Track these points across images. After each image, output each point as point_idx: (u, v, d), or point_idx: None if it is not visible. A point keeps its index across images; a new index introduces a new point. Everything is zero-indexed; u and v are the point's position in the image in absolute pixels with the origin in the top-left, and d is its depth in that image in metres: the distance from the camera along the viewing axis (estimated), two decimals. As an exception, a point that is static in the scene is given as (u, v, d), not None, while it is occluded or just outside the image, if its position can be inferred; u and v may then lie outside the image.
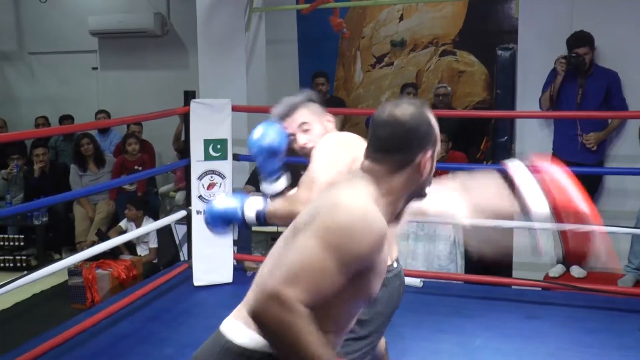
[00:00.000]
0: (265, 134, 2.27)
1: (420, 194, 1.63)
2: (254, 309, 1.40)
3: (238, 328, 1.59)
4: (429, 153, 1.57)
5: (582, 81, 4.67)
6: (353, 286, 1.46)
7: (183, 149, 4.95)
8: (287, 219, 1.86)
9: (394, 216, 1.60)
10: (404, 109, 1.57)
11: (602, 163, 4.85)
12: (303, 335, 1.37)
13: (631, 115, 4.69)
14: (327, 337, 1.46)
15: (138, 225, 5.62)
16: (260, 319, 1.40)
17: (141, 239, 5.72)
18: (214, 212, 2.22)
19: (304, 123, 2.31)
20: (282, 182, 2.34)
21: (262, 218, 2.18)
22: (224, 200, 2.25)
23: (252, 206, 2.20)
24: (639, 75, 4.69)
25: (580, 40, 4.63)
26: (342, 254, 1.40)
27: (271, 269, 1.46)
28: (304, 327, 1.37)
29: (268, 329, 1.40)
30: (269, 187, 2.33)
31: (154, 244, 5.74)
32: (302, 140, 2.32)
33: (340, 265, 1.40)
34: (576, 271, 4.83)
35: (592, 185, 4.87)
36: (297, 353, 1.38)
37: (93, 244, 5.55)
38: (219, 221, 2.23)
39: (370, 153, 1.58)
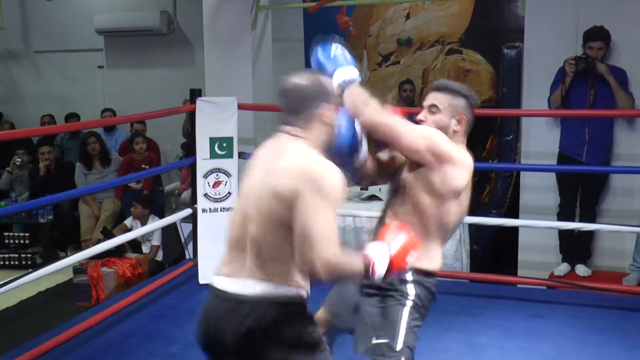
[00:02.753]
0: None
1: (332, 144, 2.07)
2: (321, 277, 1.83)
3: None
4: (328, 106, 1.99)
5: (593, 82, 4.64)
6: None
7: (191, 144, 4.94)
8: (353, 106, 2.19)
9: None
10: (296, 77, 2.00)
11: (609, 162, 4.84)
12: (349, 267, 1.89)
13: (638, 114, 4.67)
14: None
15: (143, 224, 5.63)
16: (328, 278, 1.85)
17: (146, 237, 5.73)
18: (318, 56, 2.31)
19: (433, 105, 2.36)
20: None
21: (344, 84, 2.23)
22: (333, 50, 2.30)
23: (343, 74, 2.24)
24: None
25: (597, 34, 4.62)
26: (336, 204, 1.87)
27: (302, 243, 1.83)
28: (346, 263, 1.87)
29: (334, 278, 1.94)
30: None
31: (156, 241, 5.75)
32: (420, 116, 2.39)
33: (335, 211, 1.87)
34: (581, 270, 4.82)
35: (599, 184, 4.86)
36: (352, 275, 1.96)
37: (98, 242, 5.56)
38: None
39: (286, 119, 2.00)
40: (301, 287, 1.99)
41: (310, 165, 1.89)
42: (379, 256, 1.91)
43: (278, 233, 1.91)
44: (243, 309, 1.95)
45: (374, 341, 2.31)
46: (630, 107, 4.60)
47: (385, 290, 2.33)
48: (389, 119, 2.25)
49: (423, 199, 2.29)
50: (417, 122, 2.36)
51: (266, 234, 1.93)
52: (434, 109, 2.35)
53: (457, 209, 2.34)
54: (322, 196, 1.84)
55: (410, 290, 2.32)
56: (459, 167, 2.30)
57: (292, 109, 1.99)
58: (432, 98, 2.37)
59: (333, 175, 1.89)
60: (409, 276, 2.30)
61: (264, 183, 1.94)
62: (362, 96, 2.23)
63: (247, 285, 1.97)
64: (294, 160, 1.91)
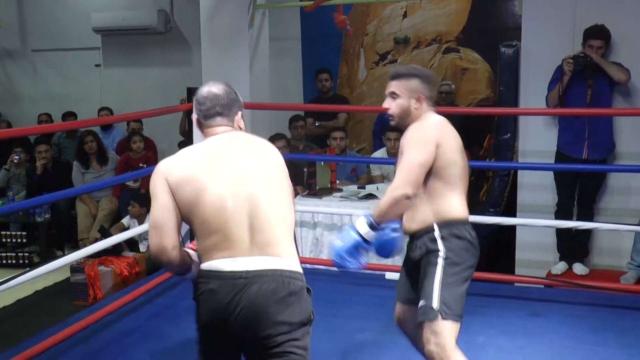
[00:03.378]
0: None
1: None
2: None
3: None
4: (240, 113, 2.33)
5: (591, 81, 4.65)
6: None
7: (189, 142, 4.93)
8: (395, 210, 2.44)
9: None
10: (217, 87, 2.33)
11: (607, 160, 4.84)
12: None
13: (637, 112, 4.67)
14: None
15: (141, 222, 5.62)
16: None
17: (143, 236, 5.72)
18: (341, 253, 2.42)
19: (394, 93, 2.66)
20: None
21: (374, 224, 2.42)
22: (342, 239, 2.45)
23: (362, 225, 2.44)
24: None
25: (597, 33, 4.62)
26: None
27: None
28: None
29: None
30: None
31: None
32: (384, 104, 2.70)
33: None
34: (579, 268, 4.82)
35: (596, 183, 4.87)
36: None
37: (95, 241, 5.55)
38: (348, 257, 2.43)
39: (216, 119, 2.30)
40: None
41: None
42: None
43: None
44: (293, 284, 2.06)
45: (419, 305, 2.49)
46: (627, 78, 4.59)
47: (421, 256, 2.54)
48: (397, 182, 2.46)
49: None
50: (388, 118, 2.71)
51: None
52: (394, 95, 2.66)
53: (453, 156, 2.57)
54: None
55: (440, 247, 2.50)
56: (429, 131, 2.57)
57: (220, 111, 2.29)
58: (391, 86, 2.67)
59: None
60: (437, 233, 2.50)
61: (266, 165, 2.18)
62: (385, 201, 2.45)
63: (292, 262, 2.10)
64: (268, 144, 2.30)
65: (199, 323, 2.13)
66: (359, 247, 2.43)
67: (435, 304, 2.43)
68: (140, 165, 6.43)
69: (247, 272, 2.01)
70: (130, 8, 7.97)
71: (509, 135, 5.33)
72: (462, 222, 2.56)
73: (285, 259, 2.06)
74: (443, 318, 2.42)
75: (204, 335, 2.15)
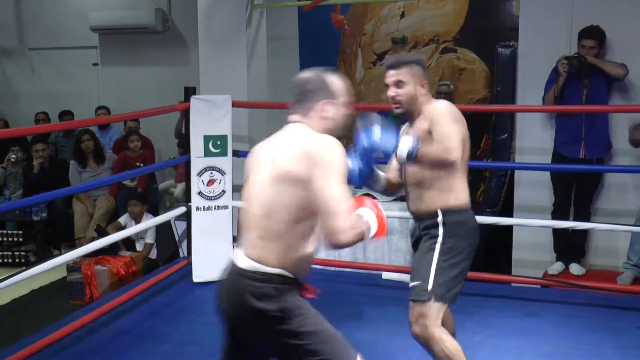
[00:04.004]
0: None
1: (335, 134, 2.15)
2: (343, 244, 1.95)
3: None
4: (326, 102, 2.16)
5: (586, 81, 4.66)
6: None
7: (185, 144, 4.94)
8: (432, 161, 2.54)
9: None
10: (304, 74, 2.23)
11: (604, 159, 4.85)
12: (362, 231, 2.00)
13: (634, 109, 4.67)
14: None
15: (138, 222, 5.62)
16: (348, 244, 1.96)
17: (140, 235, 5.72)
18: (370, 140, 2.49)
19: (400, 81, 2.69)
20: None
21: (412, 156, 2.50)
22: (381, 131, 2.50)
23: (406, 143, 2.51)
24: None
25: (590, 33, 4.64)
26: (340, 173, 2.00)
27: (326, 216, 1.94)
28: (360, 226, 2.00)
29: (353, 243, 1.98)
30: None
31: (150, 239, 5.73)
32: (390, 92, 2.71)
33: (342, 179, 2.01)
34: (575, 269, 4.83)
35: (593, 182, 4.87)
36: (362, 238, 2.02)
37: (92, 240, 5.54)
38: (369, 152, 2.52)
39: (292, 107, 2.21)
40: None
41: (309, 145, 2.04)
42: (371, 219, 2.08)
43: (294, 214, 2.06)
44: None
45: (411, 284, 2.64)
46: (625, 72, 4.58)
47: (421, 237, 2.69)
48: (451, 148, 2.57)
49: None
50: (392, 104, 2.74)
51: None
52: (400, 84, 2.69)
53: (466, 143, 2.69)
54: (335, 171, 1.98)
55: (440, 232, 2.63)
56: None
57: (296, 100, 2.20)
58: (395, 75, 2.70)
59: (332, 149, 2.02)
60: (440, 218, 2.63)
61: (274, 170, 2.08)
62: (437, 150, 2.56)
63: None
64: (296, 145, 2.07)
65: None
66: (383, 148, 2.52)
67: (430, 286, 2.57)
68: (137, 164, 6.43)
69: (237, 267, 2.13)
70: (128, 7, 7.96)
71: (506, 135, 5.33)
72: (465, 209, 2.70)
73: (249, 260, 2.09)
74: (435, 300, 2.56)
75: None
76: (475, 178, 5.80)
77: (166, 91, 7.19)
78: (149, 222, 5.22)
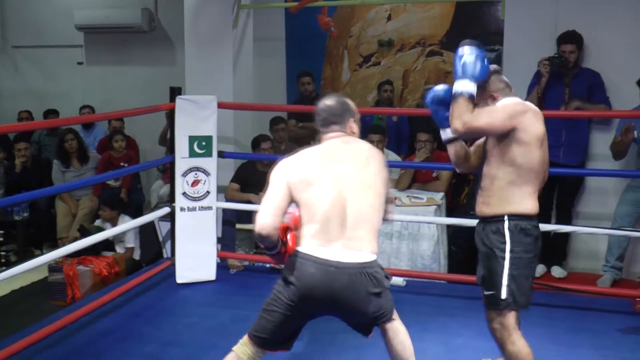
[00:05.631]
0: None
1: None
2: None
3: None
4: (353, 120, 2.79)
5: (568, 80, 4.73)
6: None
7: (169, 146, 4.92)
8: (450, 117, 2.73)
9: None
10: (331, 99, 2.80)
11: (585, 164, 4.89)
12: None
13: (615, 115, 4.73)
14: None
15: (114, 225, 5.56)
16: None
17: (119, 238, 5.66)
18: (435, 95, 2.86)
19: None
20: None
21: (469, 95, 2.70)
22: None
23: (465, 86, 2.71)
24: (622, 76, 4.74)
25: (569, 37, 4.71)
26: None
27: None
28: None
29: None
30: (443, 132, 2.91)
31: (130, 243, 5.68)
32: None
33: None
34: (557, 271, 4.87)
35: (574, 186, 4.91)
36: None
37: (75, 240, 5.50)
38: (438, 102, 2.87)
39: (326, 126, 2.78)
40: None
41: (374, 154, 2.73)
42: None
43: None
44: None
45: (485, 293, 2.79)
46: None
47: (489, 242, 2.77)
48: (479, 121, 2.67)
49: (511, 153, 2.69)
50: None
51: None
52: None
53: (538, 152, 2.73)
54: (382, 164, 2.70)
55: (508, 239, 2.71)
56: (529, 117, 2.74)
57: (331, 121, 2.75)
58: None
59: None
60: (506, 224, 2.71)
61: (366, 171, 2.63)
62: (457, 110, 2.68)
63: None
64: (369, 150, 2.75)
65: None
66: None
67: (504, 295, 2.71)
68: (122, 164, 6.39)
69: (338, 262, 2.50)
70: (114, 6, 7.91)
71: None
72: (532, 218, 2.75)
73: (364, 252, 2.54)
74: (511, 309, 2.71)
75: None
76: (459, 181, 5.83)
77: (151, 91, 7.15)
78: (130, 223, 5.08)
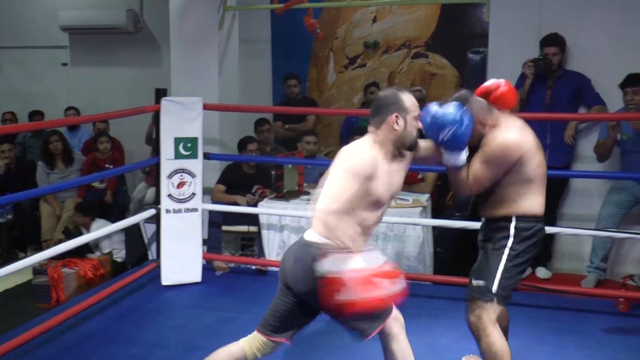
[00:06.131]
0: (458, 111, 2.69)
1: (403, 145, 2.63)
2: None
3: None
4: (395, 115, 2.57)
5: (551, 82, 4.77)
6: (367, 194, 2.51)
7: (154, 148, 4.91)
8: (453, 183, 2.79)
9: (389, 156, 2.61)
10: (383, 91, 2.74)
11: (570, 165, 4.93)
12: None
13: (600, 117, 4.76)
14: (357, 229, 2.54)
15: (88, 230, 5.51)
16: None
17: (98, 241, 5.61)
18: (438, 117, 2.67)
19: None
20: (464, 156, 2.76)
21: (458, 167, 2.73)
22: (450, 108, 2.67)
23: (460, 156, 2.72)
24: (605, 78, 4.79)
25: (552, 40, 4.76)
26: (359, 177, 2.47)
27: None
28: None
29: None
30: (449, 157, 2.76)
31: (107, 249, 5.64)
32: None
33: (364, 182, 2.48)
34: (542, 272, 4.90)
35: (559, 188, 4.95)
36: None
37: (59, 242, 5.47)
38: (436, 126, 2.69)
39: (370, 119, 2.65)
40: None
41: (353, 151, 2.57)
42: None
43: None
44: None
45: (474, 282, 2.82)
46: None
47: (490, 239, 2.83)
48: (483, 182, 2.74)
49: (514, 175, 2.75)
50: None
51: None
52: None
53: (537, 160, 2.76)
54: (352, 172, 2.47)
55: (511, 237, 2.75)
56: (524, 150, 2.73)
57: (371, 113, 2.63)
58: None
59: (362, 157, 2.52)
60: (513, 224, 2.75)
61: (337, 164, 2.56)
62: (458, 180, 2.77)
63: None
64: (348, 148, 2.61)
65: None
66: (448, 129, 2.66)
67: (495, 287, 2.75)
68: (107, 166, 6.36)
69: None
70: (99, 7, 7.87)
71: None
72: (537, 219, 2.78)
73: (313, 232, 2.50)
74: (496, 302, 2.75)
75: None
76: (445, 183, 5.85)
77: (137, 92, 7.12)
78: (109, 227, 4.90)
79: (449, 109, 2.67)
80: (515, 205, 2.76)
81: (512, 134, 2.72)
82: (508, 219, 2.77)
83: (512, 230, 2.76)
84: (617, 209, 4.68)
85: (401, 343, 2.70)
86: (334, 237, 2.43)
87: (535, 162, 2.75)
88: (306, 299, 2.54)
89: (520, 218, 2.76)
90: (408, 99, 2.61)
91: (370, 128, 2.63)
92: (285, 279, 2.56)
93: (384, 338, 2.70)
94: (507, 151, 2.69)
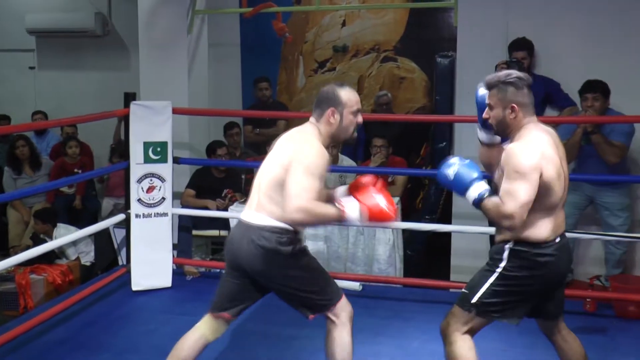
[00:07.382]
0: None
1: (338, 139, 2.76)
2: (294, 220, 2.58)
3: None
4: (332, 109, 2.67)
5: None
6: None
7: (122, 151, 4.87)
8: (491, 218, 2.64)
9: (328, 149, 2.69)
10: (324, 86, 2.77)
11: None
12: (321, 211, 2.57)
13: (577, 120, 4.82)
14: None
15: (51, 238, 5.44)
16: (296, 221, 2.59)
17: (63, 248, 5.54)
18: (452, 171, 2.65)
19: (489, 104, 2.68)
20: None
21: (477, 204, 2.60)
22: (464, 166, 2.64)
23: (478, 188, 2.60)
24: (573, 82, 4.84)
25: (520, 45, 4.80)
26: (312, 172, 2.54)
27: (285, 197, 2.54)
28: (318, 208, 2.56)
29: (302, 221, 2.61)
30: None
31: (72, 256, 5.58)
32: (485, 114, 2.71)
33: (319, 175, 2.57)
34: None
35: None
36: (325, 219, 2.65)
37: (27, 248, 5.39)
38: (447, 178, 2.67)
39: (313, 111, 2.75)
40: None
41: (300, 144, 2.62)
42: (350, 204, 2.58)
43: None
44: None
45: (462, 290, 2.78)
46: (617, 160, 4.50)
47: (490, 258, 2.73)
48: (520, 203, 2.47)
49: None
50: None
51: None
52: (489, 107, 2.68)
53: (550, 182, 2.54)
54: (303, 165, 2.53)
55: (504, 259, 2.64)
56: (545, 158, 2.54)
57: (314, 107, 2.74)
58: (487, 97, 2.69)
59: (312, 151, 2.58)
60: (509, 245, 2.62)
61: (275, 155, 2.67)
62: (494, 214, 2.55)
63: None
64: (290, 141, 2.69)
65: None
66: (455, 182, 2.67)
67: (475, 299, 2.67)
68: (75, 170, 6.29)
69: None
70: (67, 10, 7.80)
71: (444, 143, 5.45)
72: (538, 244, 2.60)
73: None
74: (475, 314, 2.67)
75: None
76: (414, 186, 5.91)
77: (106, 96, 7.07)
78: (78, 233, 4.89)
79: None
80: (517, 231, 2.57)
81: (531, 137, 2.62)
82: (506, 242, 2.64)
83: (506, 253, 2.63)
84: (573, 209, 4.72)
85: (343, 334, 2.75)
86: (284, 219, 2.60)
87: (551, 183, 2.56)
88: (258, 278, 2.70)
89: (518, 242, 2.61)
90: (346, 94, 2.69)
91: (311, 119, 2.74)
92: (238, 260, 2.68)
93: (330, 324, 2.76)
94: (532, 162, 2.50)
